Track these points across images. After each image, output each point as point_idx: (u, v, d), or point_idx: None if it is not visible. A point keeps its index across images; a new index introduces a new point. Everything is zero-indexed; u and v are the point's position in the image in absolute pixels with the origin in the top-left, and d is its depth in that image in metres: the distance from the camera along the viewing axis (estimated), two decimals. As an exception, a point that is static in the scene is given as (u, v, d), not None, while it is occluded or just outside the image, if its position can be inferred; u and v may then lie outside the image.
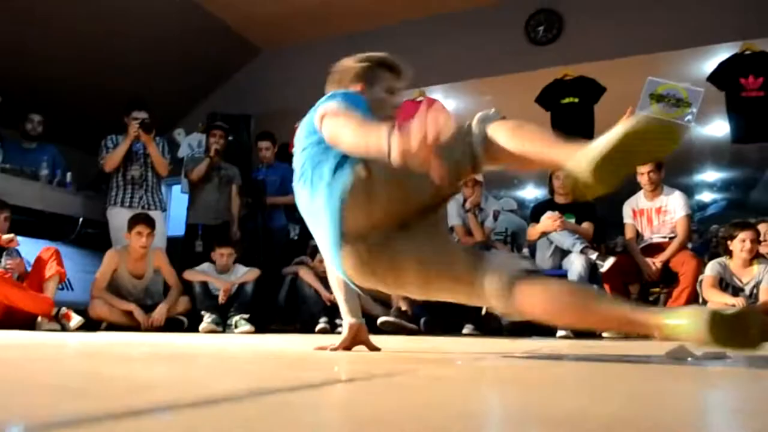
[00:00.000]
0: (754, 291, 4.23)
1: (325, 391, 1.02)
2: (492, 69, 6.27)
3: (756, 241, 4.27)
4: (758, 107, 5.26)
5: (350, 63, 2.31)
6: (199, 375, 1.34)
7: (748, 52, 5.35)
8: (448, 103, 6.53)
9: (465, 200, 5.21)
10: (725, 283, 4.33)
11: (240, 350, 2.38)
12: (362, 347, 2.30)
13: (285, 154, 6.37)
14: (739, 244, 4.27)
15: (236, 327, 4.77)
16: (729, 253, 4.37)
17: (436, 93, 6.53)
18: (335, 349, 2.25)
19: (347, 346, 2.28)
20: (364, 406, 0.85)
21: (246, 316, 4.85)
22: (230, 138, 6.23)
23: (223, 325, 4.86)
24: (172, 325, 4.83)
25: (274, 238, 5.74)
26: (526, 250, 5.72)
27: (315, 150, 1.95)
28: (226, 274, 5.08)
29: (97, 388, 1.04)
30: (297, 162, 2.07)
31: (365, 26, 6.65)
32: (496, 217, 5.29)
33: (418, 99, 6.24)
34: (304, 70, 6.95)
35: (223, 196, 5.74)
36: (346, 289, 2.26)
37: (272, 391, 1.00)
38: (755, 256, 4.30)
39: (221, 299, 4.90)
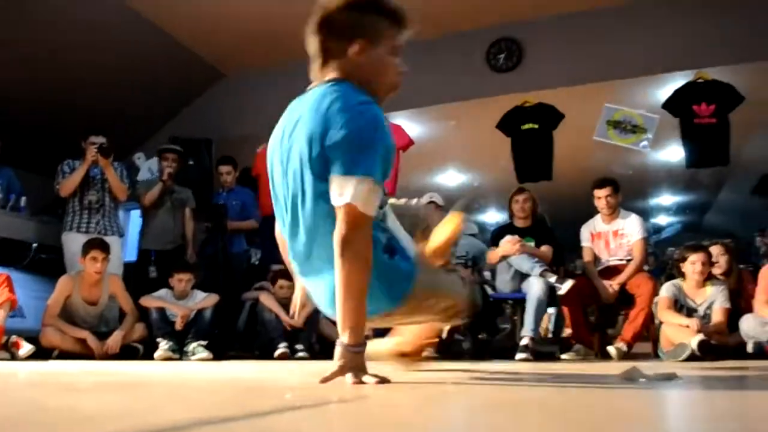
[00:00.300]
0: (708, 312, 4.31)
1: (272, 419, 1.00)
2: (454, 95, 6.35)
3: (707, 263, 4.37)
4: (711, 133, 5.42)
5: (338, 9, 1.86)
6: (147, 404, 1.30)
7: (700, 81, 5.52)
8: (412, 128, 6.57)
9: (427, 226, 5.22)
10: (680, 305, 4.41)
11: (195, 378, 2.33)
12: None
13: (246, 179, 6.34)
14: (691, 266, 4.36)
15: (193, 354, 4.68)
16: (683, 275, 4.46)
17: (400, 118, 6.57)
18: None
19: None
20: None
21: (204, 342, 4.76)
22: (190, 162, 6.17)
23: (180, 352, 4.76)
24: (127, 352, 4.71)
25: (234, 263, 5.67)
26: (487, 274, 5.76)
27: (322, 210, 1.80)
28: (184, 300, 4.99)
29: (39, 419, 1.00)
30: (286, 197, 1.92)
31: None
32: (456, 242, 5.32)
33: (381, 123, 6.27)
34: (266, 95, 6.94)
35: (177, 221, 5.66)
36: None
37: (219, 420, 0.98)
38: (708, 278, 4.40)
39: (178, 325, 4.81)
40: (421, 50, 6.42)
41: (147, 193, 5.58)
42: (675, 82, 5.68)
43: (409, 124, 6.70)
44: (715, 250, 4.69)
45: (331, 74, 1.87)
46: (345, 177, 1.67)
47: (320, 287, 1.91)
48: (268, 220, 6.16)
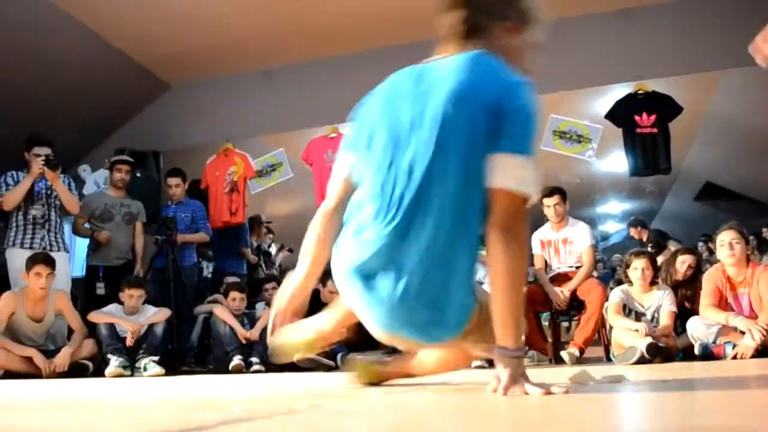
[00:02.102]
0: (655, 315, 4.42)
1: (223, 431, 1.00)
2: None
3: (650, 268, 4.48)
4: (652, 143, 5.61)
5: None
6: (87, 422, 1.28)
7: (641, 92, 5.71)
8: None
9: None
10: (629, 309, 4.51)
11: (145, 394, 2.29)
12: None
13: (195, 191, 6.27)
14: (634, 272, 4.48)
15: (145, 370, 4.58)
16: (629, 280, 4.57)
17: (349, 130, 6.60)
18: None
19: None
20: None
21: (155, 358, 4.67)
22: (138, 174, 6.07)
23: (131, 368, 4.66)
24: (76, 370, 4.58)
25: (185, 277, 5.59)
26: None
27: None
28: (135, 315, 4.89)
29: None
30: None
31: (276, 62, 6.67)
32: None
33: (331, 135, 6.29)
34: (214, 106, 6.89)
35: (126, 235, 5.55)
36: None
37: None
38: (653, 282, 4.52)
39: (129, 341, 4.71)
40: (369, 63, 6.50)
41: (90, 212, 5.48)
42: (617, 93, 5.86)
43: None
44: (688, 259, 4.80)
45: (473, 50, 1.66)
46: (515, 156, 1.48)
47: (415, 282, 1.54)
48: (218, 233, 6.14)
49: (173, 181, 5.88)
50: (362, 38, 6.30)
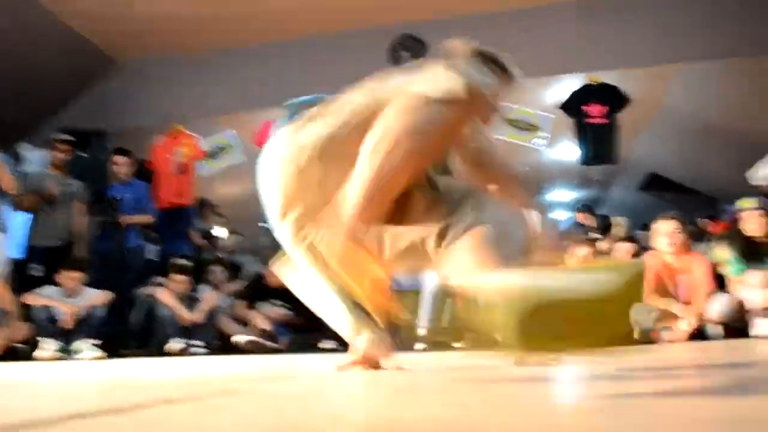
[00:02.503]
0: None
1: (142, 414, 0.97)
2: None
3: (595, 255, 4.58)
4: (602, 133, 5.73)
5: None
6: (15, 403, 1.23)
7: (592, 83, 5.80)
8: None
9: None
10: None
11: (78, 377, 2.22)
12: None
13: (143, 172, 6.11)
14: (576, 260, 4.57)
15: (83, 353, 4.47)
16: (575, 267, 4.66)
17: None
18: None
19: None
20: (174, 428, 0.81)
21: (94, 341, 4.56)
22: (83, 154, 5.89)
23: (68, 351, 4.54)
24: (9, 354, 4.44)
25: (129, 259, 5.45)
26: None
27: None
28: (74, 297, 4.75)
29: None
30: None
31: (232, 42, 6.54)
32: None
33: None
34: (165, 85, 6.71)
35: (66, 215, 5.37)
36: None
37: (86, 415, 0.93)
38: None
39: (65, 324, 4.57)
40: (326, 48, 6.43)
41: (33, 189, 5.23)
42: (568, 83, 5.94)
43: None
44: (629, 247, 4.91)
45: None
46: None
47: None
48: (165, 214, 6.00)
49: (120, 159, 5.71)
50: (318, 22, 6.23)
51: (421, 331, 4.55)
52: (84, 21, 6.13)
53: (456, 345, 4.86)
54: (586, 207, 7.96)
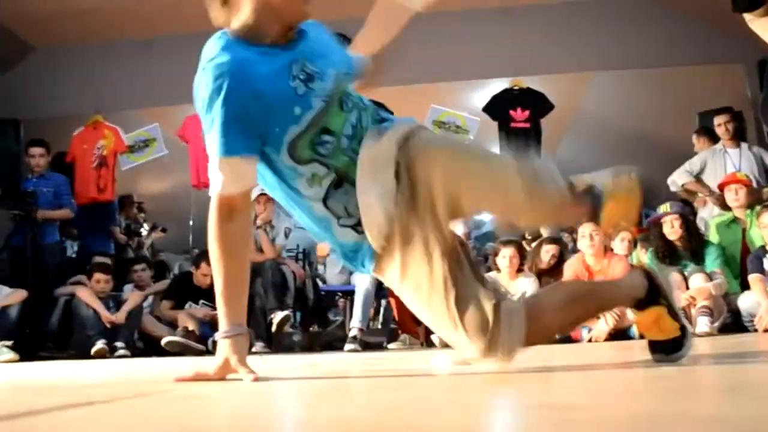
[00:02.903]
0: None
1: (52, 416, 0.94)
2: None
3: (517, 256, 4.69)
4: (525, 137, 5.88)
5: None
6: None
7: (516, 88, 5.95)
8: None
9: (256, 217, 5.16)
10: (497, 295, 4.70)
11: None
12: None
13: (60, 165, 5.88)
14: (502, 260, 4.68)
15: (-5, 355, 4.26)
16: (498, 267, 4.76)
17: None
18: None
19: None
20: (81, 430, 0.79)
21: (8, 343, 4.34)
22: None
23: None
24: None
25: (45, 256, 5.23)
26: (320, 267, 5.80)
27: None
28: (-15, 296, 4.53)
29: None
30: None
31: (157, 32, 6.36)
32: (287, 235, 5.28)
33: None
34: (85, 74, 6.47)
35: (-26, 209, 5.12)
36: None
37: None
38: (520, 270, 4.73)
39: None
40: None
41: None
42: (494, 87, 6.08)
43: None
44: (552, 248, 5.03)
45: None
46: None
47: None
48: (85, 210, 5.79)
49: (36, 151, 5.47)
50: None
51: (353, 332, 4.55)
52: (1, 5, 5.83)
53: (390, 346, 4.90)
54: None
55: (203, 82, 1.52)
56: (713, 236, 4.70)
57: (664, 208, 4.49)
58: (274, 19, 1.56)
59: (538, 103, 5.92)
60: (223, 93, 1.47)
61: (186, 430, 0.76)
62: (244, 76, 1.49)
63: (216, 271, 1.56)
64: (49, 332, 4.97)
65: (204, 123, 1.54)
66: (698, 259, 4.29)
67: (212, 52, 1.54)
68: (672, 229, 4.35)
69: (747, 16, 3.06)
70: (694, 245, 4.33)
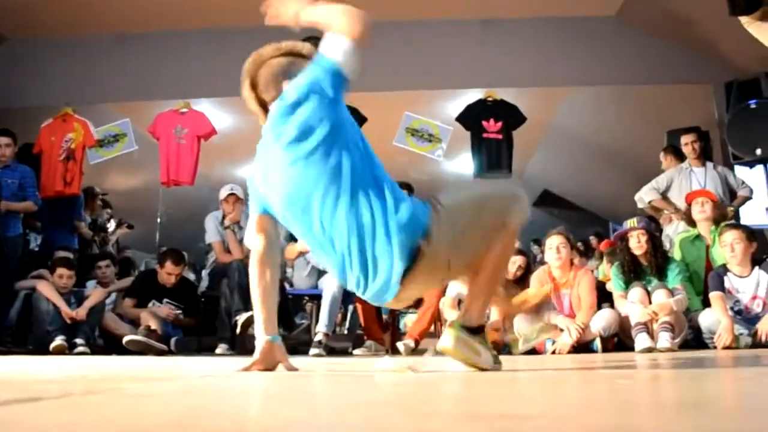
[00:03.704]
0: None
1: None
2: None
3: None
4: (497, 148, 5.92)
5: (274, 58, 2.10)
6: None
7: (490, 99, 6.00)
8: (217, 117, 6.40)
9: (224, 217, 5.12)
10: (461, 303, 4.71)
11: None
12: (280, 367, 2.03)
13: (26, 156, 5.77)
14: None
15: (-51, 348, 4.15)
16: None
17: (203, 105, 6.37)
18: (248, 369, 1.96)
19: (261, 366, 1.98)
20: (24, 427, 0.77)
21: (-37, 335, 4.24)
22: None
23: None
24: None
25: (7, 249, 5.11)
26: (289, 270, 5.76)
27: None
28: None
29: None
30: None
31: (131, 27, 6.29)
32: (255, 235, 5.24)
33: (182, 110, 6.04)
34: (56, 66, 6.37)
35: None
36: (269, 304, 2.04)
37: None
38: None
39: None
40: (231, 39, 6.30)
41: None
42: (468, 97, 6.12)
43: (215, 112, 6.52)
44: (519, 260, 5.06)
45: None
46: None
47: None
48: (50, 203, 5.68)
49: (2, 140, 5.36)
50: (225, 14, 6.09)
51: (318, 337, 4.52)
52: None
53: (355, 352, 4.88)
54: None
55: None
56: (677, 253, 4.77)
57: (631, 222, 4.55)
58: None
59: (510, 115, 5.98)
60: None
61: (132, 429, 0.74)
62: None
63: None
64: (7, 326, 4.86)
65: None
66: (661, 275, 4.34)
67: None
68: (638, 244, 4.40)
69: (743, 20, 3.11)
70: (659, 261, 4.38)
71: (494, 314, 4.39)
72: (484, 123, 5.91)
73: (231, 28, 6.22)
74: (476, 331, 1.87)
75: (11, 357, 4.03)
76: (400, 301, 1.93)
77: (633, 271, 4.38)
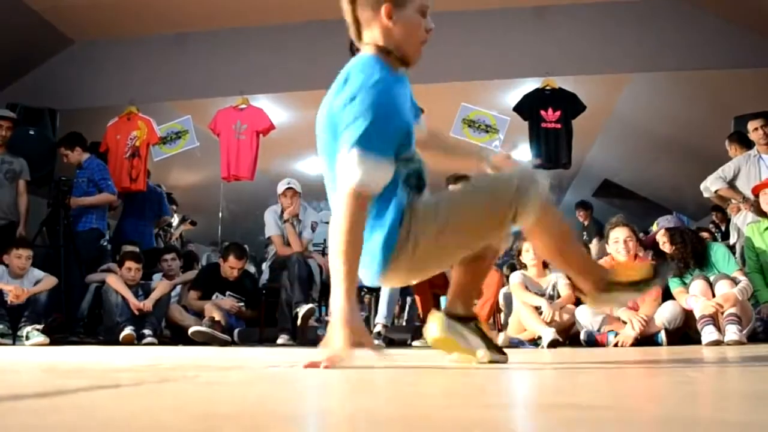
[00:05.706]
0: (552, 293, 4.57)
1: (79, 396, 0.96)
2: (319, 82, 6.31)
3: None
4: (556, 137, 5.82)
5: None
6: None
7: (548, 88, 5.89)
8: (274, 113, 6.49)
9: (283, 211, 5.19)
10: (528, 289, 4.65)
11: (19, 361, 2.17)
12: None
13: (94, 153, 5.98)
14: (527, 255, 4.65)
15: (27, 339, 4.35)
16: (524, 265, 4.73)
17: (262, 101, 6.47)
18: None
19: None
20: (108, 411, 0.81)
21: (39, 326, 4.44)
22: (30, 132, 5.74)
23: (12, 336, 4.42)
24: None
25: (79, 243, 5.33)
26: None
27: None
28: (21, 278, 4.63)
29: None
30: None
31: (191, 27, 6.44)
32: (314, 229, 5.31)
33: (241, 106, 6.15)
34: (121, 66, 6.58)
35: (9, 194, 5.23)
36: None
37: (20, 397, 0.92)
38: (545, 265, 4.68)
39: (11, 300, 4.44)
40: (287, 36, 6.39)
41: None
42: (525, 87, 6.02)
43: (272, 107, 6.62)
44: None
45: (364, 46, 1.87)
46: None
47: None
48: (120, 197, 5.89)
49: (61, 150, 5.60)
50: (281, 11, 6.18)
51: (377, 328, 4.56)
52: (41, -1, 5.94)
53: (414, 344, 4.89)
54: (582, 204, 8.22)
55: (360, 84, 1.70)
56: (747, 242, 4.61)
57: (654, 225, 4.50)
58: (396, 53, 1.84)
59: (569, 104, 5.85)
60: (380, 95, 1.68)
61: (209, 415, 0.77)
62: (394, 91, 1.74)
63: (348, 258, 1.63)
64: (79, 318, 5.07)
65: (347, 116, 1.68)
66: (703, 262, 4.25)
67: (370, 64, 1.75)
68: (664, 245, 4.36)
69: None
70: (697, 249, 4.30)
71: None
72: (542, 112, 5.81)
73: (287, 24, 6.30)
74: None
75: (84, 347, 4.21)
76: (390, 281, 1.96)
77: (676, 268, 4.30)
